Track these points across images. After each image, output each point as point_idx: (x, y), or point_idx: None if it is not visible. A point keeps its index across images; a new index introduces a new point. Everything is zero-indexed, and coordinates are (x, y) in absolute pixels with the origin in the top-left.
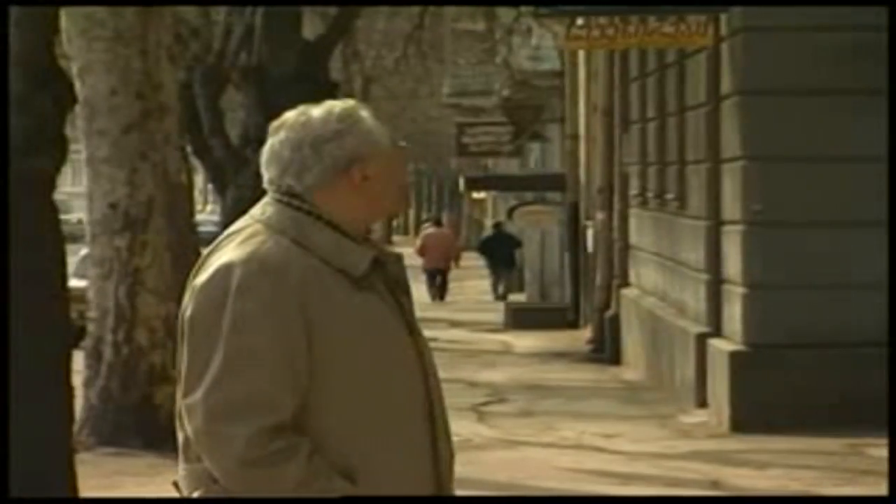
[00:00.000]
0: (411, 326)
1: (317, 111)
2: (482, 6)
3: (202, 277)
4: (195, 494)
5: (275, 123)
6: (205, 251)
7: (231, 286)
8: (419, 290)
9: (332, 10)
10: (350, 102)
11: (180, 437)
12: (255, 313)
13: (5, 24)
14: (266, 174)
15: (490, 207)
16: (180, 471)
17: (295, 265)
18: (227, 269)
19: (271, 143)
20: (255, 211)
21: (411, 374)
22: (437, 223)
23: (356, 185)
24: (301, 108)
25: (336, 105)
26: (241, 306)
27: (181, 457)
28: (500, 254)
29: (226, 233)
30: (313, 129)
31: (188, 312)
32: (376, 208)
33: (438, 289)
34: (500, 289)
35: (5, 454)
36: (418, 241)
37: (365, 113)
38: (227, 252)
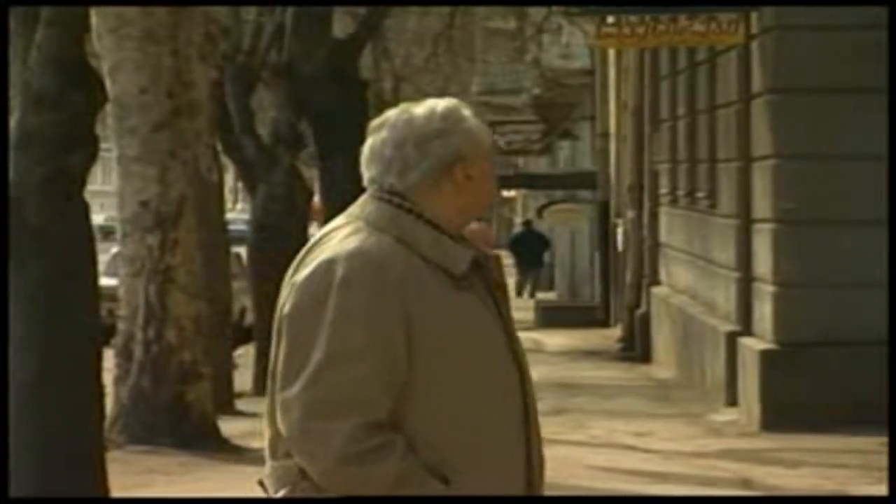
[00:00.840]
0: (508, 328)
1: (419, 109)
2: (513, 5)
3: (303, 273)
4: (281, 493)
5: (375, 122)
6: (304, 249)
7: (334, 281)
8: None
9: (362, 9)
10: (452, 101)
11: (267, 434)
12: (358, 308)
13: (6, 23)
14: (367, 173)
15: (520, 205)
16: (266, 469)
17: (396, 262)
18: (329, 264)
19: (372, 141)
20: (354, 209)
21: (508, 377)
22: None
23: (459, 183)
24: (402, 107)
25: (438, 103)
26: (343, 301)
27: (267, 454)
28: (528, 252)
29: (324, 230)
30: (417, 128)
31: (287, 308)
32: (474, 207)
33: None
34: (527, 287)
35: (5, 454)
36: None
37: (467, 112)
38: (330, 248)
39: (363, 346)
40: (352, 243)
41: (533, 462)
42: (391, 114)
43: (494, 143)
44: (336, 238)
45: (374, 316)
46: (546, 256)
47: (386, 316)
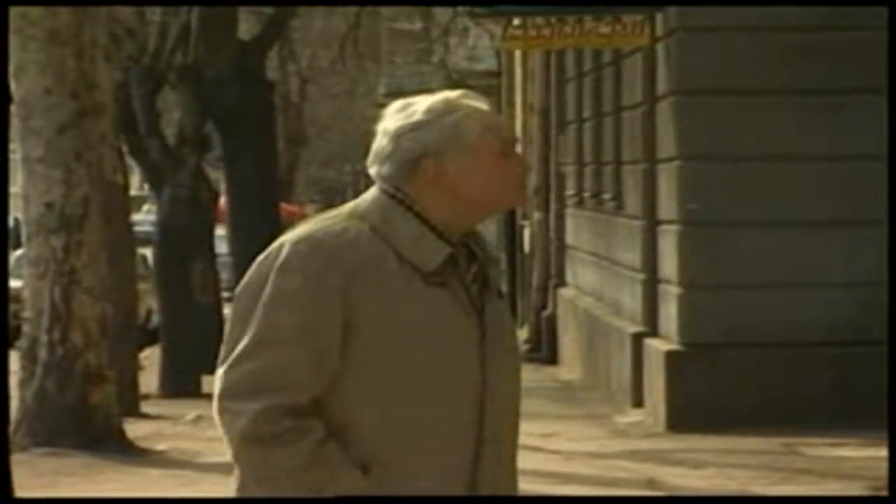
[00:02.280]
0: (487, 330)
1: (412, 101)
2: (419, 6)
3: (262, 254)
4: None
5: None
6: None
7: (276, 264)
8: None
9: (268, 10)
10: (457, 93)
11: None
12: (291, 292)
13: (6, 23)
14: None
15: None
16: None
17: (357, 249)
18: (278, 247)
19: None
20: (363, 195)
21: (464, 378)
22: None
23: (430, 179)
24: (411, 99)
25: (441, 95)
26: (279, 284)
27: None
28: None
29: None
30: (399, 120)
31: (238, 287)
32: (464, 204)
33: None
34: None
35: (6, 454)
36: None
37: (466, 102)
38: (293, 231)
39: (290, 329)
40: (311, 228)
41: (482, 469)
42: (395, 104)
43: (503, 136)
44: (310, 222)
45: (307, 302)
46: None
47: (320, 301)
